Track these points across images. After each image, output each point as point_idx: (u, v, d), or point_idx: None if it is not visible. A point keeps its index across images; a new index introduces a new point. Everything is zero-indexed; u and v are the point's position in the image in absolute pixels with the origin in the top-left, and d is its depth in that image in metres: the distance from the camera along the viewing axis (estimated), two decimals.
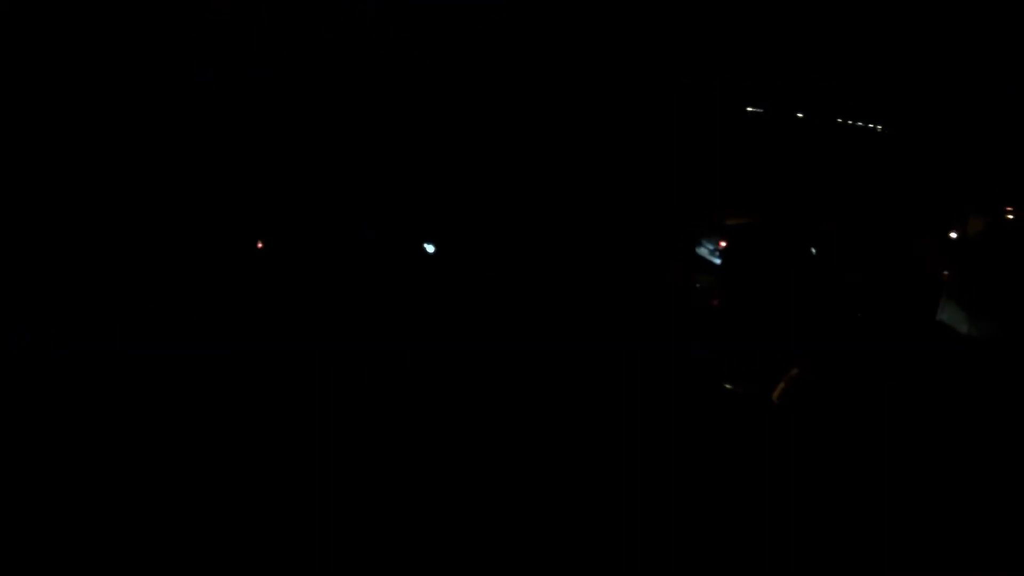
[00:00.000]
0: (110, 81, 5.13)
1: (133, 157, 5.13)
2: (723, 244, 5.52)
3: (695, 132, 6.09)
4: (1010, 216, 5.37)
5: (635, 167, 5.93)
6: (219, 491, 3.34)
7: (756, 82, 6.27)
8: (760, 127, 6.37)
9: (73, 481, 3.33)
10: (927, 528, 3.21)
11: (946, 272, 5.04)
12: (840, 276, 5.41)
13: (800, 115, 6.37)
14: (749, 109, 6.18)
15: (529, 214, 5.73)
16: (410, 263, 5.44)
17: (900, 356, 4.31)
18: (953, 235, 5.59)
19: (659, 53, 6.00)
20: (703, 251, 5.60)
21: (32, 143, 4.87)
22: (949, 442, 3.73)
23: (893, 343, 4.48)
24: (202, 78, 5.32)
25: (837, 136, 6.46)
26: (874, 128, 6.40)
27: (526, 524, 3.23)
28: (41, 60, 4.94)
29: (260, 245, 5.22)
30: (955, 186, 5.99)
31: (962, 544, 3.14)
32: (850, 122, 6.38)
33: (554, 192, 5.85)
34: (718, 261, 5.53)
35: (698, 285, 5.40)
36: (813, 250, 5.58)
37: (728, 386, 4.17)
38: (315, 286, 5.13)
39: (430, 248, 5.49)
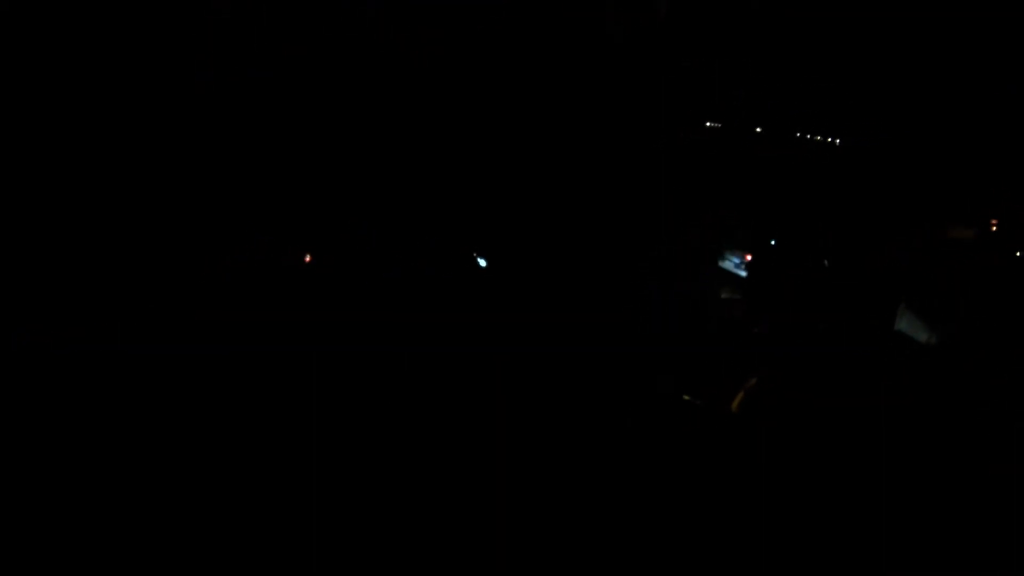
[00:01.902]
0: (110, 81, 5.14)
1: (133, 157, 5.14)
2: (748, 257, 5.62)
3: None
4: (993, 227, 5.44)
5: (634, 170, 5.93)
6: (219, 491, 3.36)
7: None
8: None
9: (73, 481, 3.34)
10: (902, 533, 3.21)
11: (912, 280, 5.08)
12: (827, 285, 5.46)
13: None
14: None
15: (529, 215, 5.74)
16: (411, 265, 5.45)
17: (862, 362, 4.32)
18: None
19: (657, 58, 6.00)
20: (728, 264, 5.67)
21: (32, 143, 4.88)
22: (915, 446, 3.73)
23: (854, 350, 4.48)
24: (202, 78, 5.32)
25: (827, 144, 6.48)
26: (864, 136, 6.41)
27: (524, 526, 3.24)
28: (41, 60, 4.95)
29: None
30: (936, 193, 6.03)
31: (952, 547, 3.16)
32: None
33: (554, 193, 5.85)
34: (743, 274, 5.60)
35: (723, 296, 5.49)
36: (826, 261, 5.68)
37: (686, 397, 4.17)
38: (311, 287, 5.15)
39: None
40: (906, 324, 4.59)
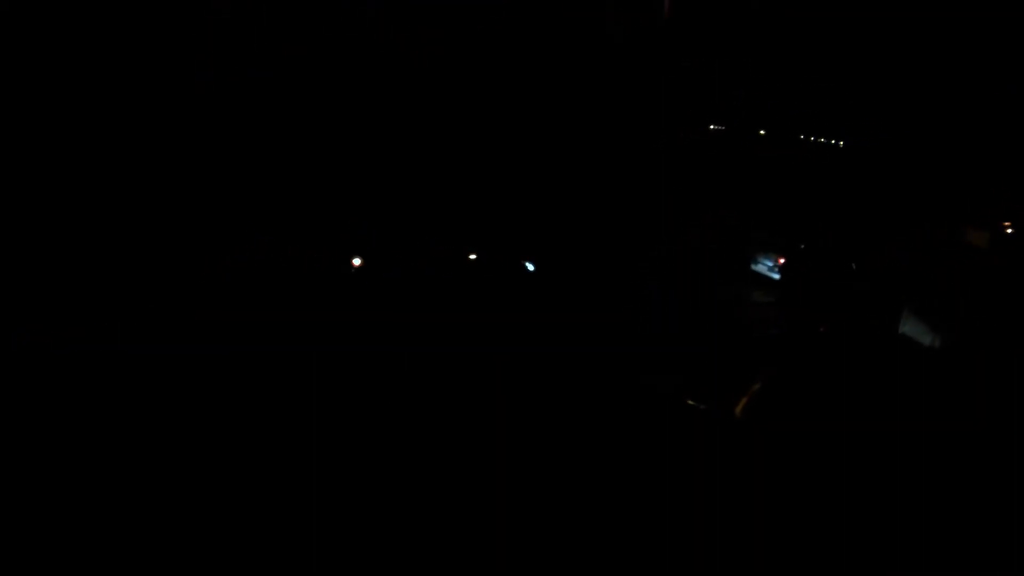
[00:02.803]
0: (110, 81, 5.14)
1: (133, 157, 5.14)
2: (781, 261, 5.73)
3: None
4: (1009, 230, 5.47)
5: (635, 171, 5.94)
6: (220, 490, 3.36)
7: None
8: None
9: (74, 480, 3.34)
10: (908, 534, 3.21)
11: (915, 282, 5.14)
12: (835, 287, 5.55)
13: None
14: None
15: (528, 215, 5.74)
16: (411, 264, 5.45)
17: (865, 365, 4.34)
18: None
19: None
20: (761, 267, 5.76)
21: (32, 143, 4.88)
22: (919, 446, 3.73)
23: (855, 354, 4.52)
24: (202, 78, 5.32)
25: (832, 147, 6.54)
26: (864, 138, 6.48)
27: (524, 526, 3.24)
28: (41, 60, 4.95)
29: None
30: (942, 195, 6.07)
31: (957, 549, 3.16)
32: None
33: (554, 192, 5.85)
34: (776, 277, 5.69)
35: (757, 300, 5.61)
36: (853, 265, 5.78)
37: (691, 402, 4.17)
38: (304, 287, 5.15)
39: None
40: (910, 327, 4.61)
